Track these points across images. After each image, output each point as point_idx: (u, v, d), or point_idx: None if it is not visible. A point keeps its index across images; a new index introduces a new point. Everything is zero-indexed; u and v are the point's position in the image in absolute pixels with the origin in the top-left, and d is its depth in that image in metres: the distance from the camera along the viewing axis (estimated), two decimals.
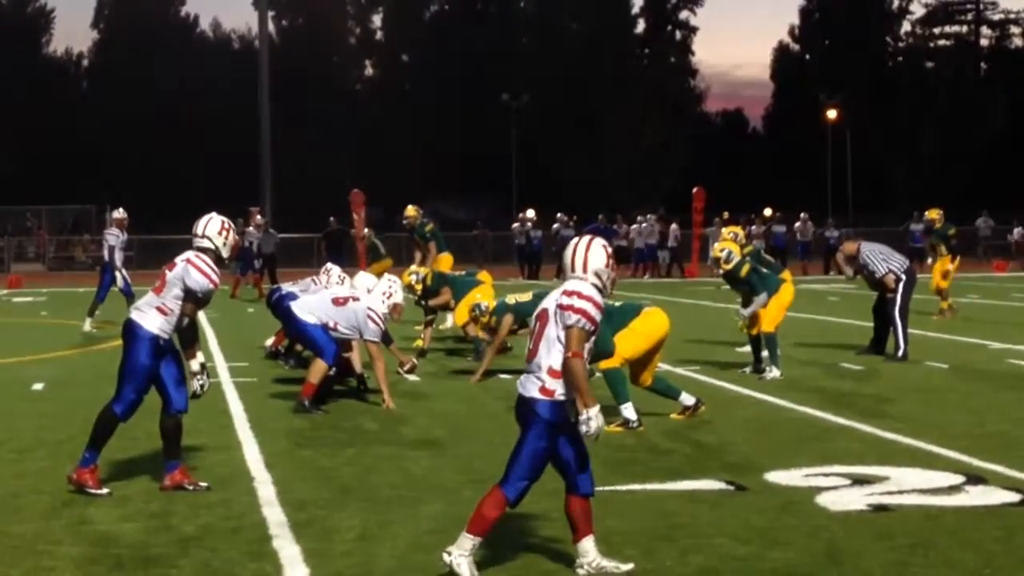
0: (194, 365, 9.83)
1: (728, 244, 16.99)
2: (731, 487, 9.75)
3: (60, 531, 8.50)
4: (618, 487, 9.69)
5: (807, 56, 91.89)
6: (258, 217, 38.26)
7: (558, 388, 7.27)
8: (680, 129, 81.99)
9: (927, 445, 11.38)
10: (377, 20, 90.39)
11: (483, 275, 20.39)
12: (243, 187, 61.65)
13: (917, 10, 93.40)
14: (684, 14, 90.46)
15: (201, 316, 23.89)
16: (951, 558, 7.78)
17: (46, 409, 14.05)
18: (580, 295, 7.33)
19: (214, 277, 9.81)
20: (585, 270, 7.48)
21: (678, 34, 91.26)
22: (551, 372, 7.29)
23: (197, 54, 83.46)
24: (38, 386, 15.91)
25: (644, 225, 49.12)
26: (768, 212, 48.93)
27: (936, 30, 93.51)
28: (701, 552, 7.90)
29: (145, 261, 53.40)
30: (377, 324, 14.04)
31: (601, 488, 9.55)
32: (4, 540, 8.27)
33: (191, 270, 9.73)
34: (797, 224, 49.54)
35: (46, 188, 69.12)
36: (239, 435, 12.12)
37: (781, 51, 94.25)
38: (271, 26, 72.45)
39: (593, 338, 7.37)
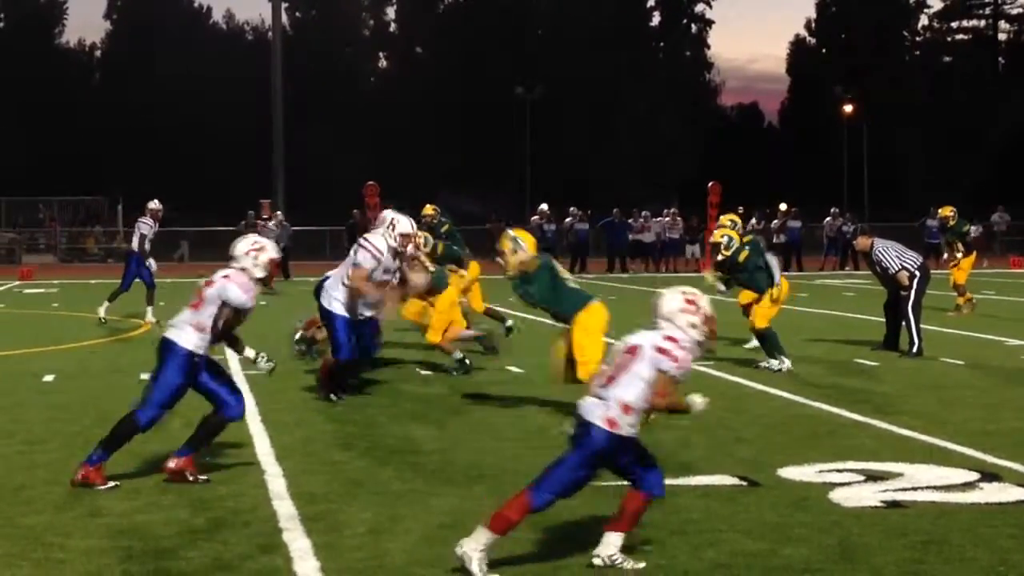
0: (248, 352, 10.07)
1: (727, 231, 17.11)
2: (744, 483, 9.70)
3: (71, 523, 8.48)
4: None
5: (823, 50, 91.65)
6: (278, 214, 38.37)
7: (624, 423, 7.27)
8: (695, 123, 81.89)
9: (942, 441, 11.32)
10: (391, 12, 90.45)
11: (472, 265, 19.96)
12: (256, 179, 61.74)
13: (935, 4, 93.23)
14: (700, 7, 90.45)
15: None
16: (965, 555, 7.73)
17: (57, 401, 14.04)
18: (680, 344, 7.33)
19: (252, 294, 9.81)
20: (676, 321, 7.47)
21: (693, 27, 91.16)
22: (624, 407, 7.26)
23: (210, 45, 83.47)
24: (49, 378, 15.91)
25: (666, 219, 49.08)
26: (783, 207, 48.80)
27: (954, 24, 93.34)
28: (714, 547, 7.86)
29: (156, 252, 53.43)
30: (368, 251, 13.74)
31: (612, 483, 9.53)
32: (15, 532, 8.25)
33: (229, 286, 9.72)
34: (827, 219, 49.53)
35: (58, 180, 69.23)
36: (250, 428, 12.08)
37: (797, 45, 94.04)
38: (285, 18, 72.40)
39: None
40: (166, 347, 9.72)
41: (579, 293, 12.92)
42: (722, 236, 16.95)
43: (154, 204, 25.20)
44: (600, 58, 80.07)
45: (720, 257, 16.92)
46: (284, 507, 8.88)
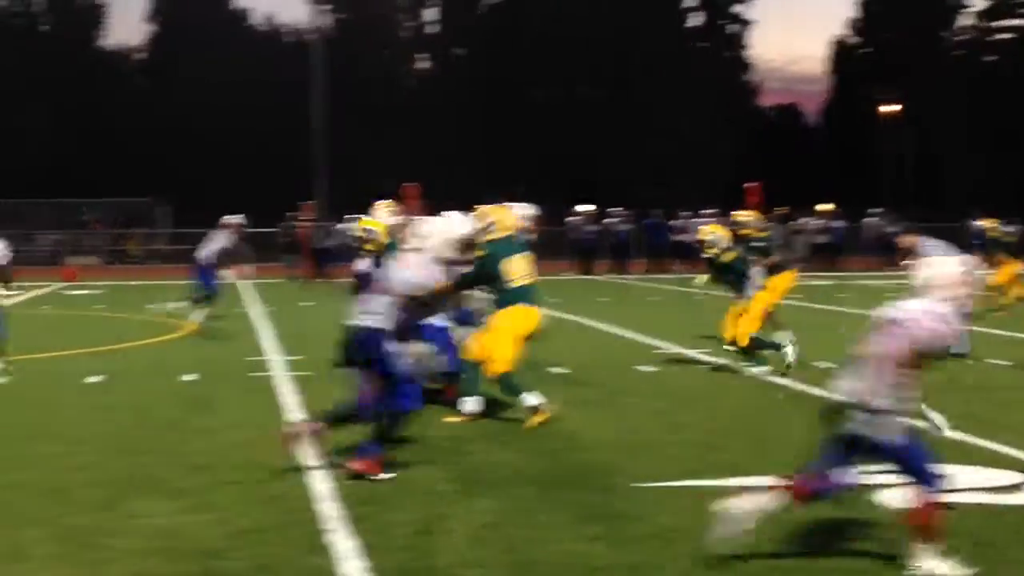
0: (421, 347, 10.49)
1: (718, 229, 17.12)
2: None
3: (115, 524, 8.51)
4: (672, 483, 9.62)
5: (864, 50, 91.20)
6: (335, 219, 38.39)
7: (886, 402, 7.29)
8: (734, 124, 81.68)
9: (988, 443, 11.25)
10: (430, 14, 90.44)
11: None
12: (297, 181, 61.88)
13: (977, 3, 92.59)
14: (738, 8, 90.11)
15: (259, 310, 24.17)
16: (1010, 556, 7.69)
17: (100, 402, 14.10)
18: (934, 315, 7.32)
19: (426, 275, 10.05)
20: (939, 291, 7.41)
21: (732, 29, 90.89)
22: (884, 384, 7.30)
23: (249, 47, 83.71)
24: (92, 379, 15.97)
25: (705, 220, 48.97)
26: (824, 207, 48.62)
27: (996, 24, 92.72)
28: (758, 549, 7.82)
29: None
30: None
31: (653, 484, 9.51)
32: (61, 532, 8.28)
33: (403, 270, 10.05)
34: (868, 220, 49.37)
35: (100, 182, 69.58)
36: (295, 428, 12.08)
37: (838, 45, 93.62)
38: (324, 20, 72.60)
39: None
40: (369, 336, 9.87)
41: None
42: (711, 233, 16.92)
43: (236, 218, 24.58)
44: (639, 59, 79.96)
45: (705, 255, 16.87)
46: (329, 508, 8.89)
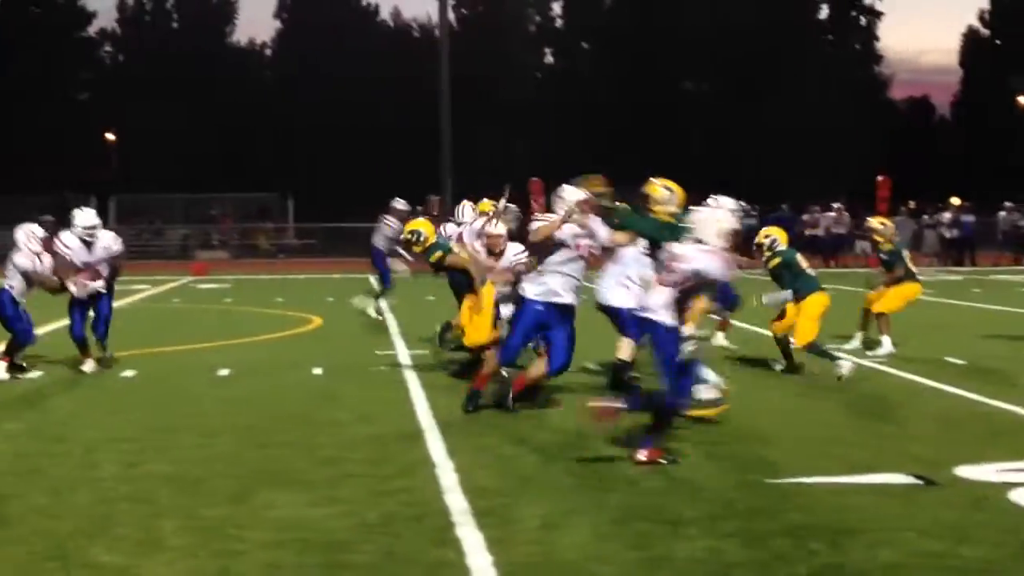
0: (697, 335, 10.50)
1: (776, 232, 16.43)
2: (919, 481, 9.52)
3: (246, 515, 8.61)
4: (804, 479, 9.53)
5: (997, 41, 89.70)
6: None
7: None
8: (864, 117, 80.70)
9: None
10: (557, 8, 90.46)
11: None
12: (423, 175, 62.17)
13: None
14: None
15: (383, 303, 24.30)
16: None
17: (231, 395, 14.28)
18: None
19: (718, 264, 10.22)
20: None
21: (862, 20, 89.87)
22: None
23: (377, 43, 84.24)
24: (223, 372, 16.18)
25: (832, 214, 48.55)
26: (956, 201, 47.89)
27: None
28: (889, 547, 7.72)
29: (328, 250, 54.28)
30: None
31: (783, 480, 9.44)
32: (195, 524, 8.39)
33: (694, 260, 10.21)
34: (1002, 214, 48.59)
35: (229, 176, 70.48)
36: (421, 423, 12.17)
37: (970, 36, 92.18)
38: (451, 15, 72.81)
39: None
40: (651, 320, 10.16)
41: None
42: (767, 236, 16.34)
43: (401, 204, 24.39)
44: (767, 52, 79.33)
45: (762, 257, 16.31)
46: (456, 501, 8.91)
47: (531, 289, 12.40)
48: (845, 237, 48.45)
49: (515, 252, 14.13)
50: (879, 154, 74.44)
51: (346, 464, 10.17)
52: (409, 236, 15.11)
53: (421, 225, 15.15)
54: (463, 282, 14.39)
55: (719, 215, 10.65)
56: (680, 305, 10.08)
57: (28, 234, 15.88)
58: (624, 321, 14.01)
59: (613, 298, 14.04)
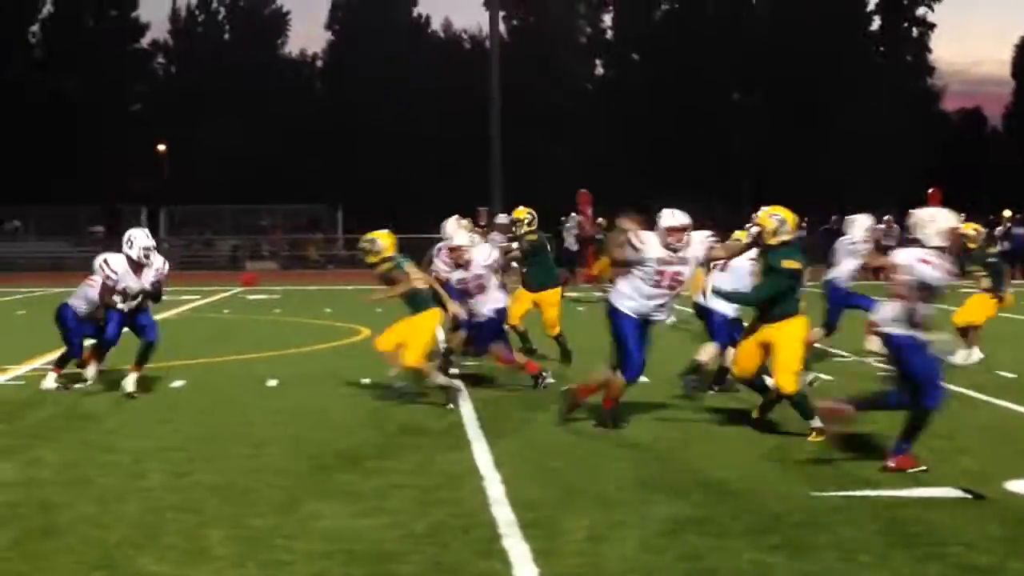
0: (943, 336, 10.70)
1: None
2: (969, 495, 9.46)
3: (294, 525, 8.64)
4: (852, 492, 9.49)
5: None
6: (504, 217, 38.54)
7: None
8: (916, 128, 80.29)
9: None
10: (608, 19, 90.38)
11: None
12: (473, 187, 62.25)
13: None
14: (921, 10, 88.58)
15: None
16: None
17: (280, 405, 14.33)
18: None
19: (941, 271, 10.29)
20: None
21: (915, 31, 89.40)
22: None
23: (428, 54, 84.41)
24: (272, 382, 16.24)
25: (882, 226, 48.24)
26: (1007, 213, 47.52)
27: None
28: (938, 560, 7.68)
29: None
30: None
31: (833, 493, 9.41)
32: (241, 532, 8.43)
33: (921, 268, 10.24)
34: None
35: (280, 187, 70.76)
36: (468, 434, 12.18)
37: (1022, 48, 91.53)
38: (501, 26, 72.89)
39: None
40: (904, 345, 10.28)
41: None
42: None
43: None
44: (818, 63, 79.05)
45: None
46: (503, 513, 8.92)
47: (625, 304, 12.34)
48: (893, 248, 48.12)
49: (484, 257, 15.23)
50: (930, 165, 74.07)
51: (393, 475, 10.19)
52: (366, 244, 14.93)
53: (380, 236, 14.91)
54: (427, 298, 14.58)
55: (938, 214, 10.73)
56: (912, 314, 10.14)
57: (102, 265, 15.40)
58: (715, 326, 14.13)
59: (712, 301, 14.10)
